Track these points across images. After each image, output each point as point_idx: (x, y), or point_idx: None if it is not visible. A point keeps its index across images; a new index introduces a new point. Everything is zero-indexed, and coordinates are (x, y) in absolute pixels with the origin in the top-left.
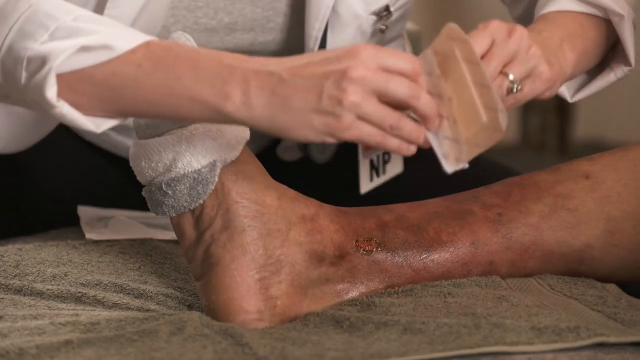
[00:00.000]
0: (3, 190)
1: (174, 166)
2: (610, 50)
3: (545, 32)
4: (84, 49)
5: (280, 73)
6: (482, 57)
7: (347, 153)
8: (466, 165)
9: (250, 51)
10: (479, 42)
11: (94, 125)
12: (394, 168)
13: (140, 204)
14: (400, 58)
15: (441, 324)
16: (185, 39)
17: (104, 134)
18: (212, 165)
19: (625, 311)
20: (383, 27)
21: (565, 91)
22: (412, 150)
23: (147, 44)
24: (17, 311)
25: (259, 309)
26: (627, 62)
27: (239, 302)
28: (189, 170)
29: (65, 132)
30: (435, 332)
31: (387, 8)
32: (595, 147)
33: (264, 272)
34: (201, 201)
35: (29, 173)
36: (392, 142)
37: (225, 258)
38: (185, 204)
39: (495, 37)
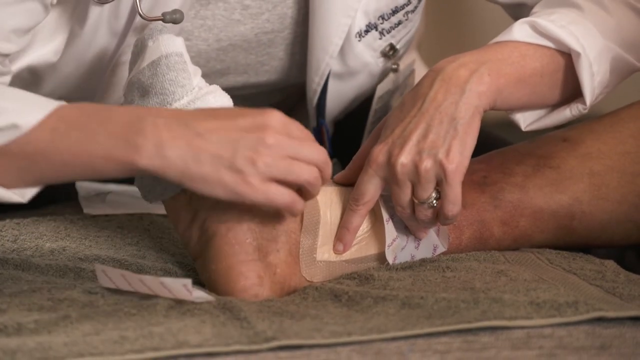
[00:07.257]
0: None
1: None
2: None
3: (463, 58)
4: None
5: (196, 127)
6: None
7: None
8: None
9: (244, 88)
10: (369, 188)
11: (19, 196)
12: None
13: None
14: (300, 128)
15: (440, 298)
16: (161, 36)
17: None
18: None
19: (624, 286)
20: (395, 67)
21: (521, 119)
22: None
23: (59, 109)
24: (16, 286)
25: (259, 275)
26: (584, 102)
27: (238, 268)
28: None
29: None
30: (433, 306)
31: (392, 47)
32: None
33: (261, 239)
34: None
35: None
36: (300, 205)
37: (221, 229)
38: (177, 185)
39: (380, 176)
